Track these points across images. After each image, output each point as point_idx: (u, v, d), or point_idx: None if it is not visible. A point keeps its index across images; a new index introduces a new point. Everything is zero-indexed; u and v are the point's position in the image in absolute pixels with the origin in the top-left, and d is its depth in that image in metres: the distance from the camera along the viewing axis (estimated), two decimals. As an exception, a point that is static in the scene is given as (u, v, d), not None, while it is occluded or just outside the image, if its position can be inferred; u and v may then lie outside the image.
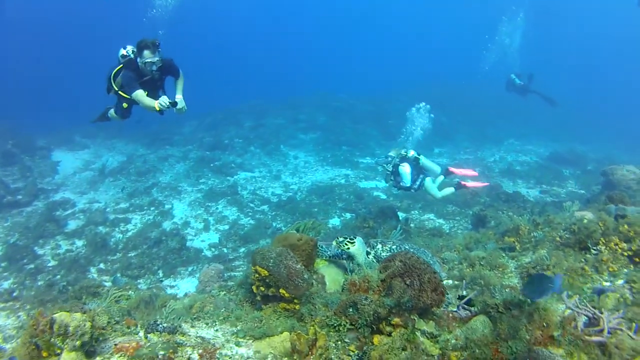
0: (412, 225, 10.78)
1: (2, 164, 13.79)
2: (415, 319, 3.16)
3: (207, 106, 26.22)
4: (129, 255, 9.99)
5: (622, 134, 21.46)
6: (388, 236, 7.54)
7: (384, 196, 14.02)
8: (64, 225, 11.18)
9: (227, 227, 11.91)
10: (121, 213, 12.37)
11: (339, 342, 3.16)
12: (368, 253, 4.38)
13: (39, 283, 8.44)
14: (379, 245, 4.50)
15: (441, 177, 9.63)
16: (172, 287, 8.71)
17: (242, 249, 10.50)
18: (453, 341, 3.06)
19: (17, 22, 43.82)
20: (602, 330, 2.93)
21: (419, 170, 9.31)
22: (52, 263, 9.38)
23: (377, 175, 16.38)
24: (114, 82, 6.73)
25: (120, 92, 6.73)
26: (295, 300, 3.63)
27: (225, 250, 10.71)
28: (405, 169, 9.03)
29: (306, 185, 15.63)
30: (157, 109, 6.16)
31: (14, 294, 8.00)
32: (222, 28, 58.72)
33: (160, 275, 9.27)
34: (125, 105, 6.84)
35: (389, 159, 9.25)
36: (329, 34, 57.68)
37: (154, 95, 6.59)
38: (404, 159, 9.17)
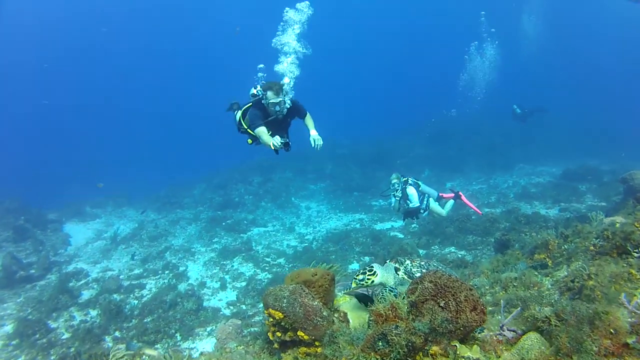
0: (434, 260, 10.43)
1: (14, 239, 13.74)
2: (457, 345, 2.75)
3: (212, 165, 26.68)
4: (145, 320, 9.63)
5: (629, 143, 21.01)
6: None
7: (401, 235, 13.67)
8: (78, 296, 10.89)
9: (244, 283, 11.60)
10: (135, 279, 12.12)
11: (371, 383, 2.77)
12: (397, 270, 4.01)
13: (52, 358, 8.07)
14: (408, 261, 4.13)
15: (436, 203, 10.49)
16: (191, 349, 8.30)
17: (262, 305, 10.10)
18: (504, 365, 2.68)
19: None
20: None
21: (421, 193, 10.10)
22: (66, 335, 9.02)
23: (392, 215, 16.11)
24: (243, 120, 6.97)
25: (246, 128, 6.94)
26: (317, 343, 3.29)
27: (243, 307, 10.36)
28: (412, 190, 9.87)
29: (321, 234, 15.39)
30: (272, 147, 6.26)
31: (25, 372, 7.66)
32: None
33: (178, 338, 8.86)
34: (249, 141, 7.04)
35: (396, 185, 9.99)
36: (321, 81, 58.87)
37: (278, 134, 6.68)
38: (407, 183, 9.97)
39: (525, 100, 20.63)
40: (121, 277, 12.24)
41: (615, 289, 3.78)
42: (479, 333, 3.01)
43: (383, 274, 3.84)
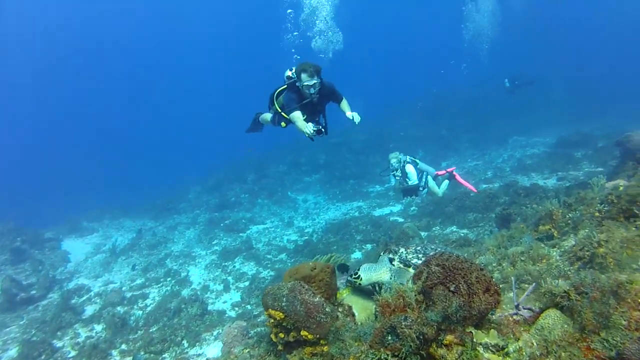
0: (436, 241, 10.33)
1: (12, 262, 13.48)
2: (473, 331, 2.57)
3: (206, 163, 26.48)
4: (151, 330, 9.47)
5: (623, 105, 20.84)
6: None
7: (401, 219, 13.53)
8: (81, 312, 10.70)
9: (247, 283, 11.47)
10: (138, 289, 11.94)
11: (384, 381, 2.58)
12: (392, 260, 3.84)
13: (59, 379, 7.94)
14: (402, 249, 3.96)
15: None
16: (198, 355, 8.15)
17: (267, 303, 9.96)
18: (527, 349, 2.45)
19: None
20: None
21: (419, 170, 10.29)
22: (72, 354, 8.83)
23: (390, 200, 15.98)
24: (276, 101, 6.82)
25: (280, 112, 6.76)
26: (322, 341, 3.13)
27: (248, 307, 10.22)
28: (411, 168, 10.08)
29: (320, 225, 15.25)
30: (306, 134, 6.07)
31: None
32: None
33: (185, 345, 8.70)
34: (283, 124, 6.89)
35: (395, 165, 10.16)
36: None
37: (312, 118, 6.61)
38: (405, 162, 10.16)
39: (517, 68, 20.65)
40: (123, 288, 12.05)
41: (628, 254, 3.65)
42: (492, 315, 2.85)
43: (369, 275, 3.70)
